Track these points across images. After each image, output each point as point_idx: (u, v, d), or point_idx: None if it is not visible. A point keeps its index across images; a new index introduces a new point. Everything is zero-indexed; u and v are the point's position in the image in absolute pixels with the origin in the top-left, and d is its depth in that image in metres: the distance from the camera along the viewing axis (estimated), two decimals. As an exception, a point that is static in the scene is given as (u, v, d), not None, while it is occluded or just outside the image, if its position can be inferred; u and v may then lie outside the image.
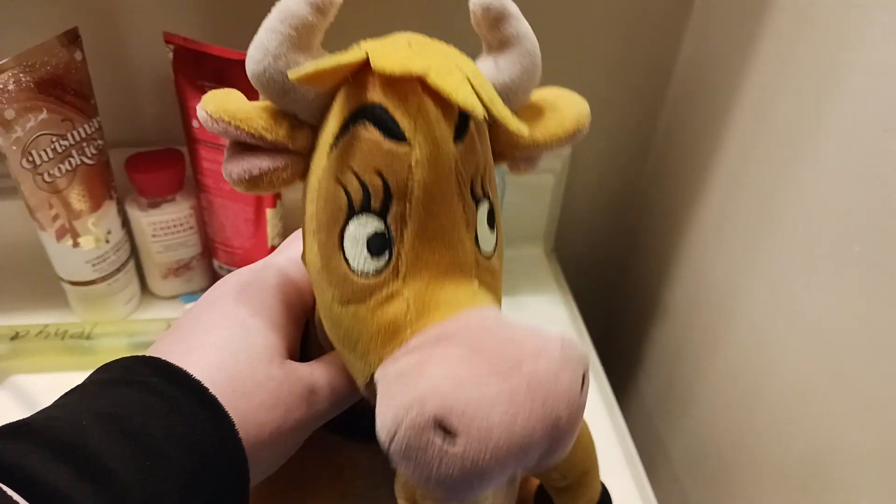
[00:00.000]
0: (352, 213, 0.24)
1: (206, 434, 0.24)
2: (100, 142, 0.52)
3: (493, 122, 0.26)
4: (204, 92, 0.51)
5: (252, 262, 0.59)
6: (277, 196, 0.56)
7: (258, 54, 0.23)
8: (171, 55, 0.51)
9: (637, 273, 0.73)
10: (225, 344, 0.26)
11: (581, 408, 0.22)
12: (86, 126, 0.50)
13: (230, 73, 0.50)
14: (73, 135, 0.49)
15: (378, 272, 0.24)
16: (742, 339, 0.52)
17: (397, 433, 0.21)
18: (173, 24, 0.52)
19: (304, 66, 0.22)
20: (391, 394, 0.22)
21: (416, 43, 0.24)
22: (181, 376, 0.25)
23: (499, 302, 0.26)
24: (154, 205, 0.56)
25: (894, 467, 0.38)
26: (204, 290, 0.61)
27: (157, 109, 0.59)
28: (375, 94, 0.23)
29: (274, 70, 0.23)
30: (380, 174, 0.23)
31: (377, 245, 0.24)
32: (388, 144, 0.23)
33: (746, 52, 0.51)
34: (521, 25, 0.25)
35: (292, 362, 0.27)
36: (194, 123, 0.53)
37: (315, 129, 0.25)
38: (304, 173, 0.26)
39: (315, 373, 0.28)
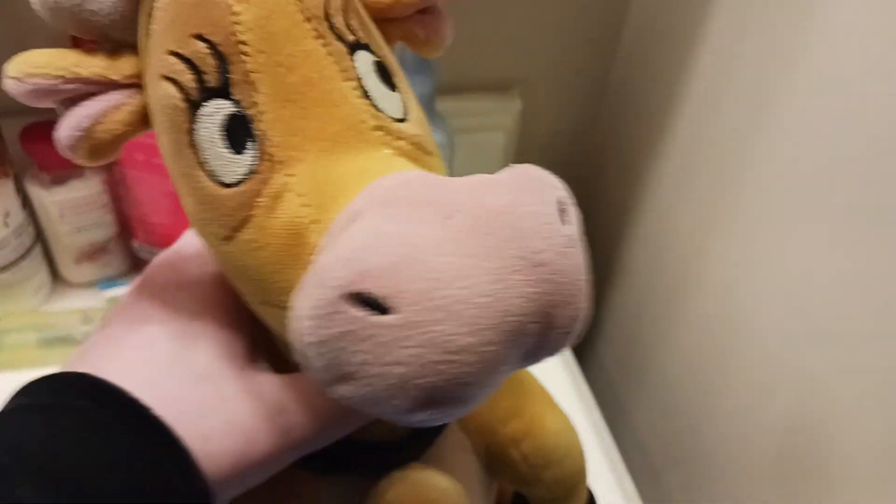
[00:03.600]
0: (192, 107, 0.19)
1: (158, 464, 0.19)
2: (-13, 110, 0.46)
3: None
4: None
5: (175, 240, 0.54)
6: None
7: None
8: (65, 7, 0.45)
9: (594, 233, 0.71)
10: (161, 357, 0.21)
11: (570, 241, 0.17)
12: (-32, 92, 0.44)
13: (137, 26, 0.45)
14: (-48, 102, 0.43)
15: (250, 171, 0.19)
16: (708, 300, 0.51)
17: (307, 334, 0.16)
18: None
19: None
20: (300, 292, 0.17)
21: None
22: (118, 399, 0.20)
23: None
24: (59, 181, 0.51)
25: (879, 422, 0.37)
26: (123, 274, 0.57)
27: (55, 72, 0.53)
28: None
29: None
30: (200, 37, 0.18)
31: (236, 133, 0.18)
32: None
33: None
34: None
35: (252, 373, 0.22)
36: (99, 86, 0.47)
37: (136, 48, 0.20)
38: (146, 111, 0.20)
39: (290, 385, 0.22)
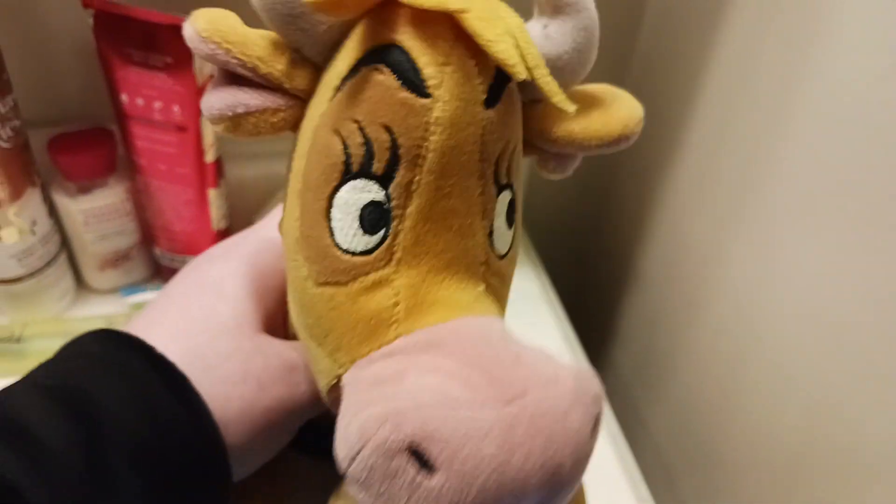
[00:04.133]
0: (348, 173, 0.20)
1: (157, 391, 0.21)
2: (16, 122, 0.47)
3: (534, 97, 0.22)
4: (132, 62, 0.47)
5: (197, 247, 0.55)
6: (220, 174, 0.52)
7: None
8: (91, 20, 0.47)
9: (610, 238, 0.71)
10: (186, 313, 0.24)
11: (588, 456, 0.19)
12: (-2, 104, 0.45)
13: (161, 40, 0.45)
14: (-18, 115, 0.44)
15: (368, 252, 0.20)
16: (725, 304, 0.51)
17: (361, 452, 0.17)
18: (92, -14, 0.47)
19: None
20: (360, 402, 0.18)
21: None
22: (124, 340, 0.22)
23: (503, 314, 0.23)
24: (84, 190, 0.52)
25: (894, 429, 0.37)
26: (145, 280, 0.58)
27: (80, 83, 0.54)
28: (398, 34, 0.19)
29: None
30: (389, 130, 0.19)
31: (372, 218, 0.20)
32: (404, 94, 0.19)
33: (722, -2, 0.49)
34: None
35: (268, 336, 0.24)
36: (123, 98, 0.48)
37: (319, 71, 0.21)
38: (296, 122, 0.22)
39: (299, 349, 0.24)
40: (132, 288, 0.57)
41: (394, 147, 0.19)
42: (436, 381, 0.18)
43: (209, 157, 0.50)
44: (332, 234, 0.20)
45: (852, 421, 0.40)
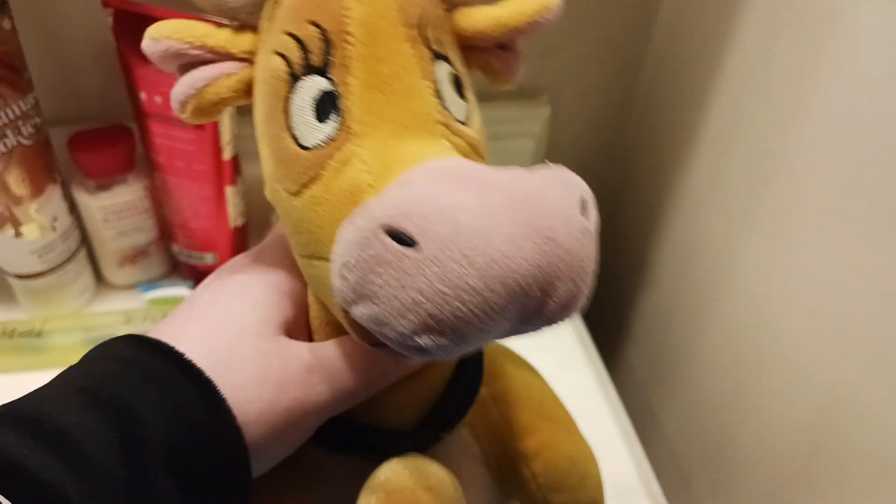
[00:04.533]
0: (294, 79, 0.22)
1: (187, 397, 0.22)
2: (37, 120, 0.48)
3: (453, 4, 0.24)
4: (151, 60, 0.47)
5: (214, 244, 0.56)
6: (237, 171, 0.52)
7: None
8: (110, 20, 0.47)
9: (623, 237, 0.71)
10: (209, 318, 0.25)
11: (585, 232, 0.19)
12: (20, 103, 0.46)
13: (178, 38, 0.46)
14: (5, 113, 0.45)
15: (329, 140, 0.21)
16: (738, 303, 0.51)
17: (345, 255, 0.18)
18: (111, -14, 0.48)
19: None
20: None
21: None
22: (156, 347, 0.23)
23: None
24: (103, 187, 0.52)
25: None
26: (163, 277, 0.59)
27: (100, 81, 0.55)
28: None
29: None
30: (314, 23, 0.21)
31: (324, 106, 0.21)
32: None
33: (737, -4, 0.49)
34: None
35: (288, 339, 0.25)
36: (142, 96, 0.49)
37: (255, 29, 0.24)
38: (251, 84, 0.24)
39: (317, 351, 0.25)
40: (150, 284, 0.57)
41: (323, 35, 0.21)
42: (404, 188, 0.19)
43: (226, 154, 0.50)
44: (295, 140, 0.22)
45: (866, 418, 0.39)
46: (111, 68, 0.50)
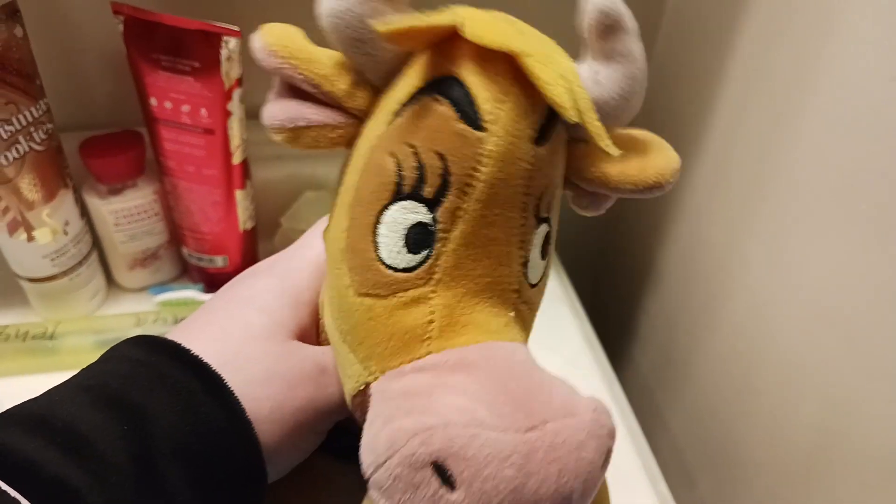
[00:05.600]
0: (399, 193, 0.21)
1: (195, 392, 0.22)
2: (49, 126, 0.48)
3: (579, 137, 0.22)
4: (161, 67, 0.48)
5: (224, 248, 0.56)
6: (247, 175, 0.53)
7: None
8: (121, 27, 0.48)
9: (628, 239, 0.71)
10: (222, 322, 0.25)
11: (596, 486, 0.19)
12: (32, 109, 0.46)
13: (188, 45, 0.46)
14: (18, 119, 0.45)
15: (410, 269, 0.21)
16: (742, 305, 0.51)
17: (388, 461, 0.18)
18: (122, -7, 0.49)
19: (394, 21, 0.19)
20: (390, 412, 0.19)
21: (519, 23, 0.21)
22: (163, 345, 0.23)
23: (527, 339, 0.23)
24: (114, 191, 0.53)
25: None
26: (173, 279, 0.59)
27: (110, 88, 0.55)
28: (459, 67, 0.20)
29: (354, 14, 0.20)
30: (442, 157, 0.20)
31: (417, 238, 0.21)
32: (460, 126, 0.20)
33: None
34: (634, 45, 0.22)
35: (299, 342, 0.25)
36: (152, 101, 0.49)
37: (378, 93, 0.22)
38: (352, 139, 0.23)
39: (329, 353, 0.25)
40: (161, 287, 0.58)
41: (445, 174, 0.20)
42: (463, 401, 0.19)
43: (236, 158, 0.51)
44: (377, 248, 0.21)
45: (869, 419, 0.39)
46: (122, 74, 0.51)
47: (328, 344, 0.27)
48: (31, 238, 0.50)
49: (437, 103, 0.20)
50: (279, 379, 0.24)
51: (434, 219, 0.21)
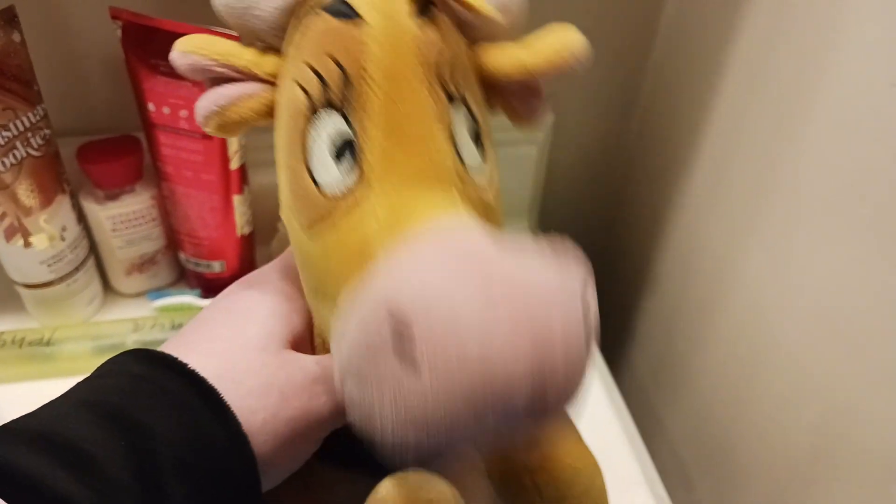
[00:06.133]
0: (313, 111, 0.22)
1: (194, 408, 0.22)
2: (46, 131, 0.48)
3: (476, 37, 0.24)
4: (159, 72, 0.48)
5: (221, 253, 0.56)
6: (245, 180, 0.53)
7: None
8: (119, 32, 0.48)
9: (625, 241, 0.71)
10: (216, 334, 0.25)
11: (583, 334, 0.18)
12: (29, 115, 0.46)
13: (186, 50, 0.46)
14: (15, 125, 0.45)
15: (341, 177, 0.22)
16: (741, 307, 0.51)
17: (347, 335, 0.18)
18: (120, -1, 0.49)
19: None
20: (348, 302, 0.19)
21: None
22: (162, 359, 0.23)
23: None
24: (112, 197, 0.53)
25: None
26: (171, 285, 0.59)
27: (108, 93, 0.55)
28: None
29: None
30: (333, 58, 0.21)
31: (339, 144, 0.22)
32: (338, 24, 0.21)
33: (738, 2, 0.49)
34: None
35: (293, 352, 0.26)
36: (150, 107, 0.49)
37: (279, 53, 0.24)
38: (273, 106, 0.24)
39: (322, 362, 0.25)
40: (158, 292, 0.58)
41: (341, 72, 0.21)
42: (413, 264, 0.19)
43: (234, 164, 0.51)
44: (311, 175, 0.22)
45: (868, 422, 0.40)
46: (120, 80, 0.51)
47: (323, 352, 0.27)
48: (28, 244, 0.49)
49: (317, 16, 0.22)
50: (273, 390, 0.24)
51: (349, 122, 0.22)
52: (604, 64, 0.63)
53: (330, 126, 0.22)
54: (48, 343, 0.51)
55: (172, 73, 0.47)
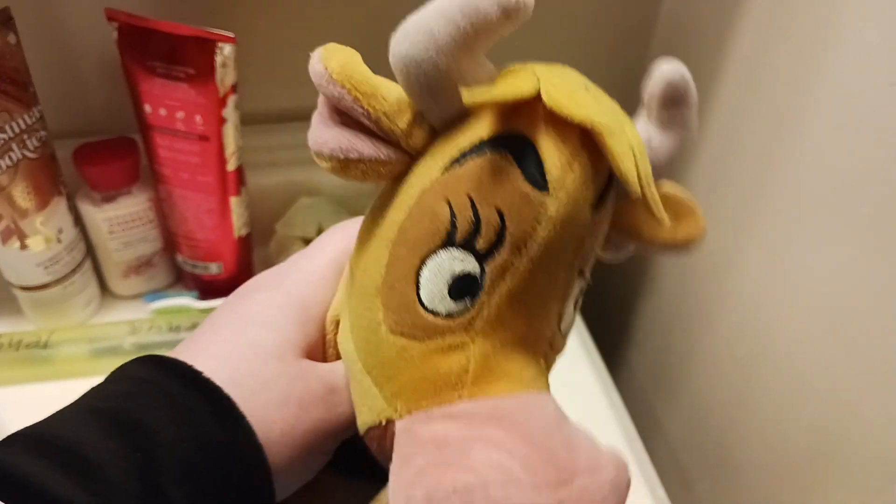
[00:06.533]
0: (449, 241, 0.20)
1: (203, 415, 0.21)
2: (42, 133, 0.48)
3: (636, 203, 0.22)
4: (155, 73, 0.48)
5: (218, 255, 0.56)
6: (242, 182, 0.53)
7: (422, 39, 0.18)
8: (115, 34, 0.47)
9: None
10: (231, 341, 0.24)
11: None
12: (25, 116, 0.46)
13: (183, 52, 0.46)
14: (11, 127, 0.45)
15: (450, 316, 0.21)
16: (738, 307, 0.51)
17: None
18: None
19: (479, 91, 0.19)
20: (424, 462, 0.19)
21: (594, 89, 0.21)
22: (171, 365, 0.23)
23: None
24: (108, 199, 0.53)
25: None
26: (168, 287, 0.59)
27: (105, 95, 0.55)
28: (529, 126, 0.20)
29: (432, 65, 0.19)
30: (500, 213, 0.20)
31: (462, 287, 0.20)
32: (525, 186, 0.20)
33: (735, 1, 0.49)
34: (693, 117, 0.23)
35: (310, 361, 0.25)
36: (147, 108, 0.49)
37: (436, 133, 0.21)
38: (401, 175, 0.22)
39: (337, 372, 0.25)
40: (155, 294, 0.57)
41: (501, 230, 0.20)
42: (498, 457, 0.19)
43: (231, 165, 0.50)
44: (418, 291, 0.21)
45: (866, 422, 0.40)
46: (116, 81, 0.51)
47: (335, 359, 0.26)
48: (24, 246, 0.49)
49: (503, 159, 0.20)
50: (292, 401, 0.23)
51: (482, 271, 0.20)
52: (601, 62, 0.63)
53: (461, 265, 0.20)
54: (45, 346, 0.51)
55: (169, 75, 0.47)
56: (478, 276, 0.20)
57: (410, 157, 0.22)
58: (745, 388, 0.51)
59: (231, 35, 0.46)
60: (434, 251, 0.21)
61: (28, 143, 0.47)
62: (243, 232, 0.55)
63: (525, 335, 0.21)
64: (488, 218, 0.20)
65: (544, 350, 0.22)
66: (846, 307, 0.41)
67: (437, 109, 0.21)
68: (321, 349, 0.27)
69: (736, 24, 0.49)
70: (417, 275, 0.21)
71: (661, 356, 0.64)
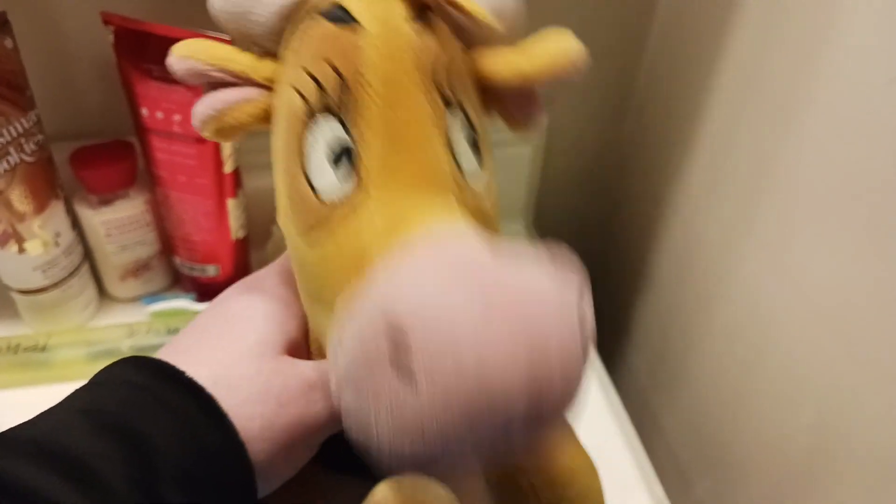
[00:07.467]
0: (310, 116, 0.22)
1: (193, 417, 0.22)
2: (39, 137, 0.48)
3: (472, 42, 0.24)
4: (152, 76, 0.48)
5: (216, 257, 0.56)
6: (239, 184, 0.53)
7: None
8: (111, 37, 0.48)
9: (621, 240, 0.71)
10: (213, 340, 0.25)
11: (580, 345, 0.18)
12: (22, 120, 0.46)
13: (178, 54, 0.46)
14: (8, 131, 0.45)
15: (339, 183, 0.22)
16: (737, 307, 0.51)
17: (344, 344, 0.18)
18: (112, 3, 0.48)
19: None
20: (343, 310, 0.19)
21: None
22: (159, 368, 0.23)
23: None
24: (105, 202, 0.53)
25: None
26: (165, 289, 0.59)
27: (101, 98, 0.55)
28: None
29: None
30: (331, 64, 0.22)
31: (337, 149, 0.22)
32: (335, 29, 0.22)
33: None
34: None
35: (290, 358, 0.26)
36: (143, 111, 0.49)
37: (276, 57, 0.24)
38: (270, 111, 0.24)
39: (318, 368, 0.25)
40: (153, 297, 0.58)
41: (338, 76, 0.22)
42: (408, 271, 0.18)
43: (228, 167, 0.51)
44: (309, 180, 0.22)
45: (866, 422, 0.40)
46: (112, 85, 0.51)
47: (319, 357, 0.27)
48: (22, 250, 0.49)
49: (314, 22, 0.22)
50: (270, 397, 0.24)
51: (346, 127, 0.22)
52: (597, 63, 0.62)
53: (328, 132, 0.22)
54: (43, 349, 0.51)
55: (165, 78, 0.47)
56: (347, 136, 0.22)
57: (270, 91, 0.24)
58: (744, 388, 0.51)
59: (227, 38, 0.46)
60: (303, 133, 0.22)
61: (25, 146, 0.47)
62: (240, 234, 0.55)
63: (418, 172, 0.21)
64: (323, 72, 0.22)
65: (451, 189, 0.22)
66: (845, 306, 0.41)
67: (260, 28, 0.23)
68: (304, 347, 0.27)
69: (733, 21, 0.49)
70: (303, 166, 0.22)
71: (659, 356, 0.64)
